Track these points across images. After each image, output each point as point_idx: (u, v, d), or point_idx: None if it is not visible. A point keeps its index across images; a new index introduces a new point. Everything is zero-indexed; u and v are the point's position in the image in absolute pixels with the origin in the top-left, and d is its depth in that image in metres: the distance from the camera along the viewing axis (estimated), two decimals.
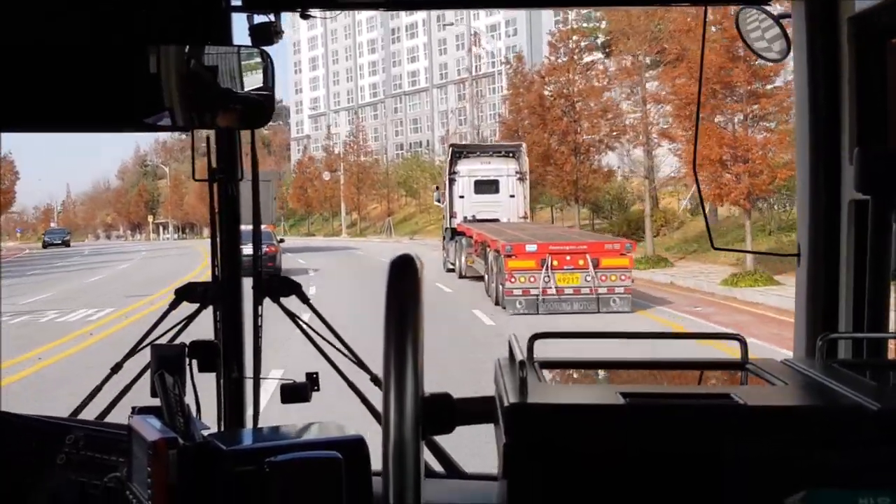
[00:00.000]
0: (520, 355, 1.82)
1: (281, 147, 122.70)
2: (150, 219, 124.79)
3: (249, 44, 3.20)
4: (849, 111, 2.93)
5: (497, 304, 24.54)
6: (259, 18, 3.26)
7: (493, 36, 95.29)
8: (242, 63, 3.11)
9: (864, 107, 2.91)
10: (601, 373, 2.12)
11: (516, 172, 35.37)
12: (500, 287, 24.17)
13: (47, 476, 2.84)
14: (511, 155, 36.06)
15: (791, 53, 3.16)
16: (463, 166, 35.63)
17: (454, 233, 34.23)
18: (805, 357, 2.97)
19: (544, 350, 1.92)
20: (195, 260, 44.64)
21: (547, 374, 1.91)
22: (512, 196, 35.26)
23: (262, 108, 3.11)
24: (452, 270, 33.87)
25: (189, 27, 3.18)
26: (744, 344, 2.00)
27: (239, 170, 3.40)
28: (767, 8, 3.23)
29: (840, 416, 1.60)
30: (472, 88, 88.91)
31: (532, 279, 23.23)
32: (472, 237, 30.24)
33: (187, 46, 3.10)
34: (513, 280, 23.33)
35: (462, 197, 35.25)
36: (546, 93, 46.95)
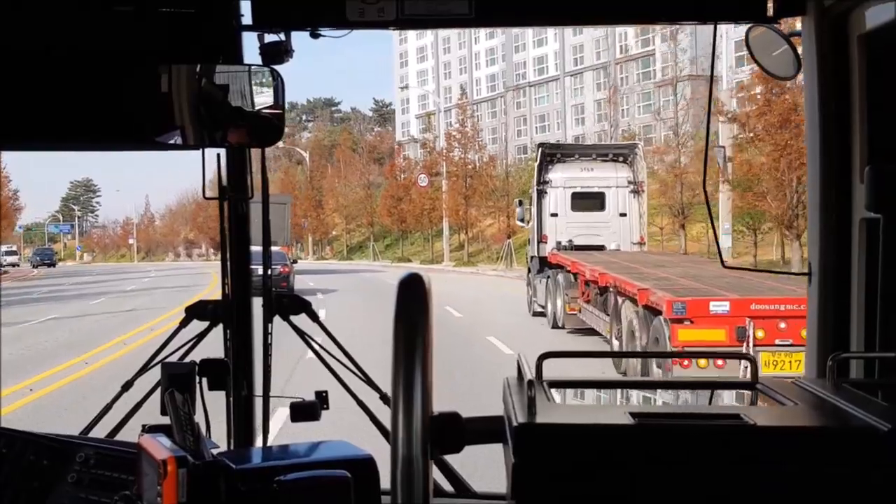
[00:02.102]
0: (528, 375, 1.82)
1: (388, 154, 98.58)
2: None
3: (260, 62, 3.22)
4: (859, 129, 2.93)
5: None
6: (270, 37, 3.27)
7: None
8: (253, 82, 3.12)
9: (875, 125, 2.90)
10: (610, 392, 2.11)
11: (629, 182, 25.89)
12: (659, 370, 12.09)
13: (58, 494, 2.83)
14: (622, 159, 26.50)
15: (801, 71, 3.16)
16: (557, 174, 26.20)
17: (544, 263, 24.88)
18: (816, 377, 2.95)
19: (553, 370, 1.92)
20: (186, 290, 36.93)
21: (556, 393, 1.91)
22: (623, 214, 25.95)
23: (273, 126, 3.12)
24: (542, 314, 24.97)
25: (200, 46, 3.20)
26: (754, 364, 1.99)
27: (249, 188, 3.41)
28: (777, 26, 3.23)
29: (850, 437, 1.59)
30: (615, 76, 72.05)
31: (720, 364, 11.57)
32: (579, 272, 21.11)
33: (198, 65, 3.12)
34: (687, 364, 12.03)
35: (555, 215, 26.01)
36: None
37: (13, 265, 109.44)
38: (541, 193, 26.29)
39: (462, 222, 66.10)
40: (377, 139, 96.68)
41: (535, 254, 26.37)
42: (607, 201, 26.03)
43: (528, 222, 27.80)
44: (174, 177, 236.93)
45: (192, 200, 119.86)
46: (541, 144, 28.78)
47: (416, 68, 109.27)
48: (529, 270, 27.41)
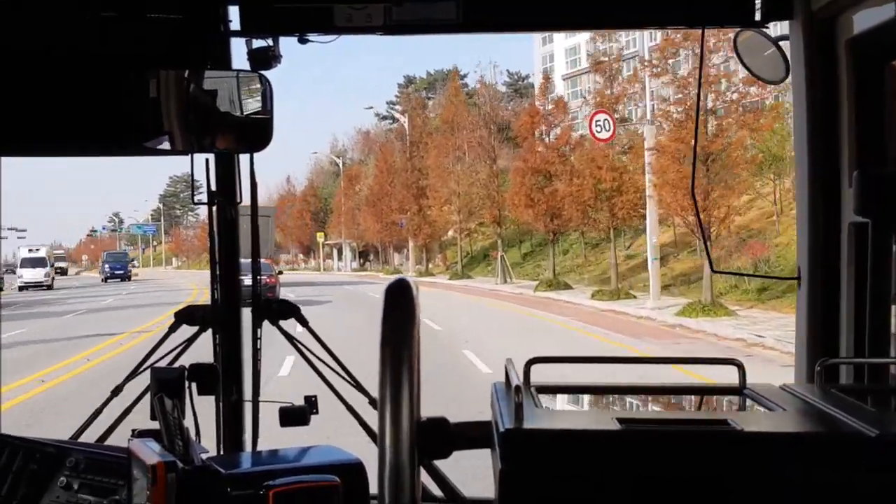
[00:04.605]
0: (516, 380, 1.82)
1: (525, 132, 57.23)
2: (320, 238, 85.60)
3: (248, 68, 3.22)
4: (847, 133, 2.94)
5: None
6: (258, 43, 3.28)
7: None
8: (241, 87, 3.12)
9: (863, 129, 2.91)
10: (598, 398, 2.12)
11: None
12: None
13: (48, 499, 2.83)
14: None
15: (790, 75, 3.17)
16: None
17: None
18: (804, 382, 2.96)
19: (541, 375, 1.92)
20: None
21: (543, 398, 1.91)
22: None
23: (262, 131, 3.13)
24: None
25: (188, 51, 3.20)
26: (742, 369, 1.99)
27: (238, 193, 3.41)
28: (766, 30, 3.24)
29: (838, 443, 1.60)
30: None
31: None
32: None
33: (187, 71, 3.12)
34: None
35: None
36: None
37: (58, 271, 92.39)
38: None
39: (680, 210, 31.10)
40: (511, 115, 64.61)
41: None
42: None
43: None
44: (270, 167, 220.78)
45: (288, 193, 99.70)
46: None
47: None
48: None
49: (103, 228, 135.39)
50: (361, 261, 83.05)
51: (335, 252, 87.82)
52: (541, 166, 44.39)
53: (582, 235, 50.03)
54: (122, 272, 78.66)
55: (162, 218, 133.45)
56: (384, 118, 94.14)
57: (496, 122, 58.19)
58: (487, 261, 59.28)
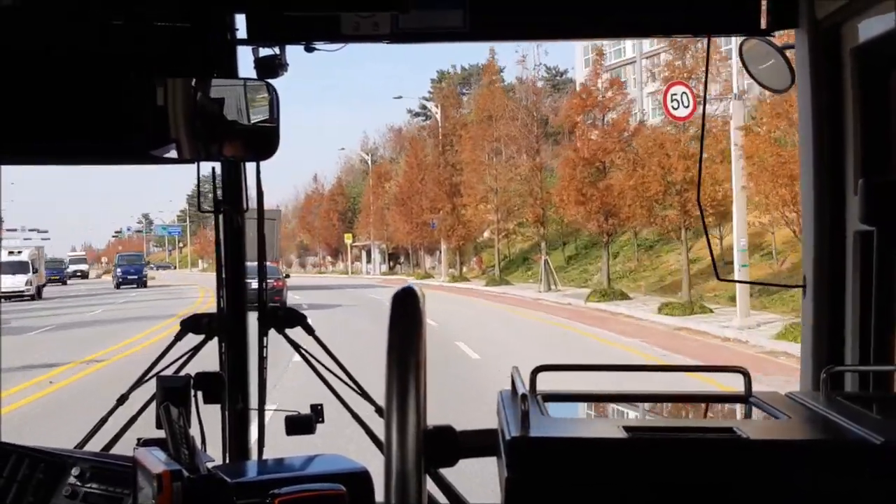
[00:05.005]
0: (522, 388, 1.82)
1: (568, 131, 52.27)
2: (348, 239, 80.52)
3: (255, 76, 3.22)
4: (853, 142, 2.93)
5: None
6: (264, 51, 3.28)
7: None
8: (248, 95, 3.13)
9: (869, 137, 2.91)
10: (604, 406, 2.12)
11: None
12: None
13: None
14: None
15: (795, 84, 3.17)
16: None
17: None
18: (810, 390, 2.95)
19: (546, 383, 1.92)
20: None
21: (549, 406, 1.91)
22: None
23: (268, 139, 3.13)
24: None
25: (195, 60, 3.20)
26: (747, 377, 1.99)
27: (244, 201, 3.42)
28: (771, 39, 3.24)
29: (843, 451, 1.60)
30: None
31: None
32: None
33: (193, 79, 3.13)
34: None
35: None
36: None
37: (78, 274, 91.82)
38: None
39: (781, 204, 26.24)
40: (550, 109, 57.66)
41: None
42: None
43: None
44: (298, 168, 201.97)
45: (308, 195, 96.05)
46: None
47: None
48: None
49: (128, 229, 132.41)
50: (391, 264, 78.64)
51: (364, 254, 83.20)
52: (595, 156, 37.95)
53: (635, 236, 44.87)
54: (136, 277, 69.16)
55: (188, 219, 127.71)
56: (416, 114, 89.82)
57: (538, 112, 51.68)
58: (527, 265, 54.74)
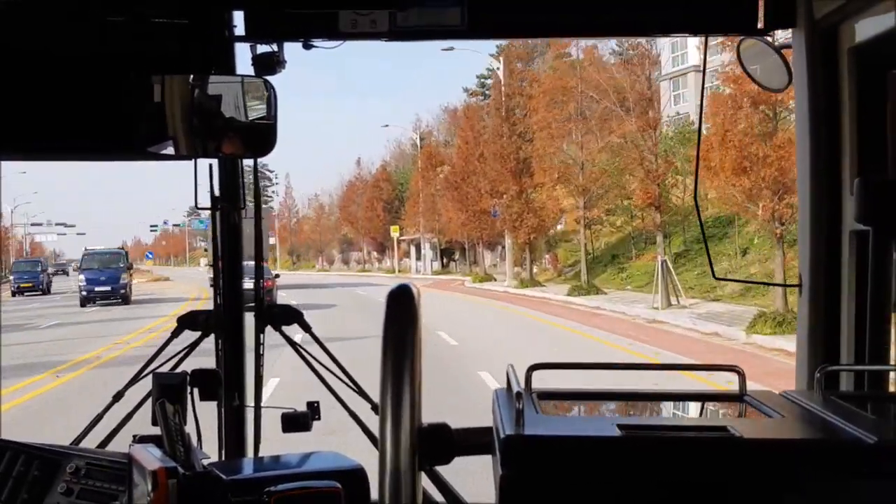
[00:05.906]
0: (517, 386, 1.82)
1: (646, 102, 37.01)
2: (395, 232, 69.78)
3: (253, 73, 3.22)
4: (849, 141, 2.94)
5: None
6: (262, 48, 3.28)
7: None
8: (246, 92, 3.13)
9: (865, 137, 2.91)
10: (599, 404, 2.12)
11: None
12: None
13: None
14: None
15: (792, 83, 3.17)
16: None
17: None
18: (805, 389, 2.96)
19: (542, 381, 1.92)
20: None
21: (545, 405, 1.91)
22: None
23: (266, 136, 3.13)
24: None
25: (193, 56, 3.20)
26: (742, 376, 1.99)
27: (242, 198, 3.42)
28: (769, 38, 3.24)
29: (837, 450, 1.60)
30: None
31: None
32: None
33: (191, 76, 3.12)
34: None
35: None
36: None
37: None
38: None
39: None
40: (627, 81, 37.51)
41: None
42: None
43: None
44: (335, 153, 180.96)
45: (350, 181, 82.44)
46: None
47: None
48: None
49: (165, 223, 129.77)
50: (445, 260, 67.12)
51: (413, 249, 71.32)
52: (761, 96, 23.84)
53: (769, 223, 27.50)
54: (109, 288, 44.72)
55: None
56: (473, 94, 75.00)
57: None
58: (618, 264, 42.98)
